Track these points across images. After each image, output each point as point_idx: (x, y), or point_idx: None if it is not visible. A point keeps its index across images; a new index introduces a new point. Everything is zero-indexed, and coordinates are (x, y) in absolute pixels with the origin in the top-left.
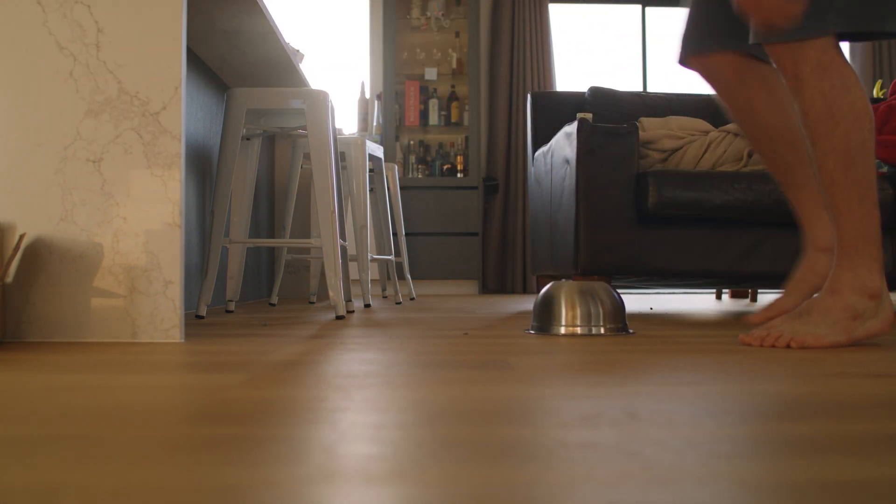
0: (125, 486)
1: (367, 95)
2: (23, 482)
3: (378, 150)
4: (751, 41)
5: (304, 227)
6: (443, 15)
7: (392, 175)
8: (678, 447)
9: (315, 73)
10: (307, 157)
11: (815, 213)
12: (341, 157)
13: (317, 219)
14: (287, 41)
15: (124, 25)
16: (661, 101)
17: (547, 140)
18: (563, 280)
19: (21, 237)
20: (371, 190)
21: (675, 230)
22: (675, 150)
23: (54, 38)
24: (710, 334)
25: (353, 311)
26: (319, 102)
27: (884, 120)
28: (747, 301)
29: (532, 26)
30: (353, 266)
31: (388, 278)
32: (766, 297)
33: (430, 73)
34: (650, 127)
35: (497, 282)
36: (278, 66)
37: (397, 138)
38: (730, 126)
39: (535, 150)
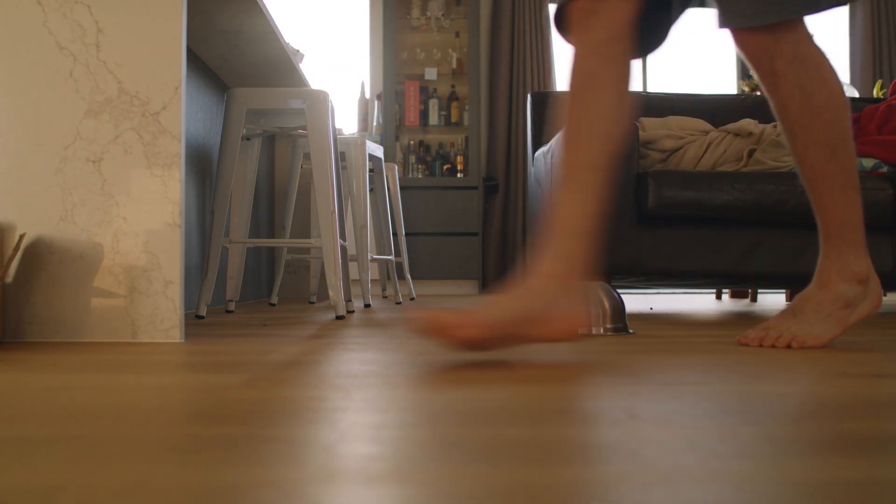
0: (125, 486)
1: (367, 95)
2: (23, 482)
3: (378, 150)
4: (718, 26)
5: (304, 227)
6: (443, 15)
7: (392, 175)
8: (678, 447)
9: (315, 73)
10: (307, 157)
11: None
12: (341, 157)
13: (317, 219)
14: (287, 41)
15: (124, 25)
16: (661, 101)
17: (547, 140)
18: None
19: (21, 237)
20: (371, 190)
21: (675, 230)
22: (675, 150)
23: (54, 38)
24: (710, 334)
25: (353, 311)
26: (319, 102)
27: (884, 120)
28: (747, 301)
29: (532, 26)
30: (353, 266)
31: (388, 278)
32: (767, 298)
33: (430, 73)
34: (650, 127)
35: (497, 282)
36: (278, 66)
37: (397, 138)
38: (730, 126)
39: (535, 150)
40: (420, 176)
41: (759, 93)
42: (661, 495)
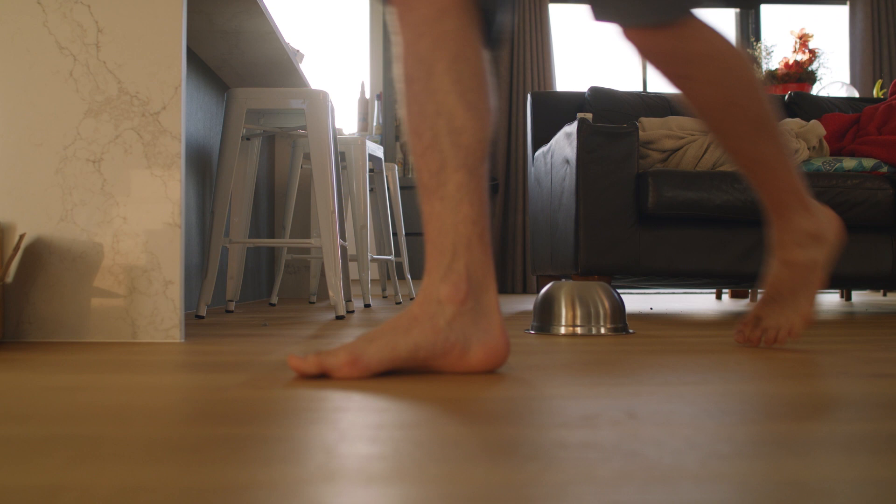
0: (125, 486)
1: (367, 95)
2: (23, 482)
3: (378, 150)
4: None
5: (304, 227)
6: None
7: (392, 175)
8: (678, 447)
9: (315, 73)
10: (307, 157)
11: None
12: (341, 157)
13: (317, 219)
14: (287, 41)
15: (124, 25)
16: (661, 101)
17: (547, 140)
18: (564, 280)
19: (21, 237)
20: (371, 190)
21: (675, 230)
22: (675, 150)
23: (54, 37)
24: (710, 334)
25: (353, 311)
26: (319, 102)
27: (884, 120)
28: (747, 301)
29: (532, 26)
30: (353, 266)
31: (388, 278)
32: None
33: None
34: (650, 127)
35: (497, 281)
36: (278, 66)
37: (397, 138)
38: None
39: (535, 150)
40: None
41: None
42: (661, 495)
